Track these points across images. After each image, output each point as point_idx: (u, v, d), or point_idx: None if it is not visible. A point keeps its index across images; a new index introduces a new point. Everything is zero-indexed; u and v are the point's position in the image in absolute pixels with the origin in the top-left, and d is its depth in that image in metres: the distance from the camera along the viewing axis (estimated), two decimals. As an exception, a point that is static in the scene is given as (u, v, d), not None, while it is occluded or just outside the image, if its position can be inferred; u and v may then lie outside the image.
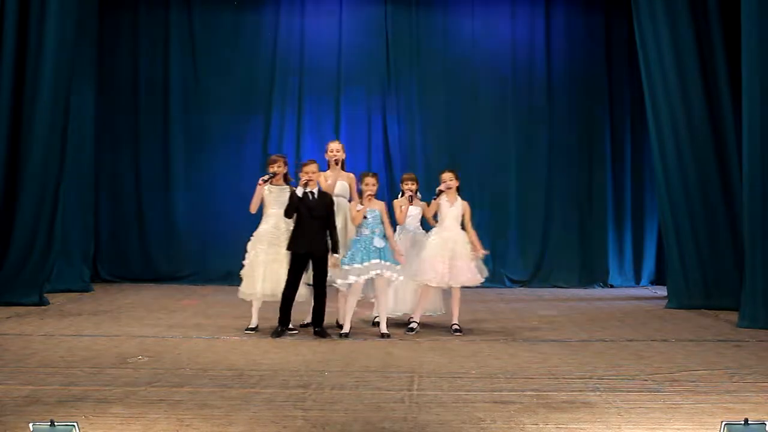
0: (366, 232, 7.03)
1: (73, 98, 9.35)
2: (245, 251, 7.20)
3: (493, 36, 11.57)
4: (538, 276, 11.37)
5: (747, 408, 4.63)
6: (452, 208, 7.35)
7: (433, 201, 7.42)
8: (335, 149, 7.50)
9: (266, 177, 7.21)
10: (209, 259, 11.06)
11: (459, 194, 7.44)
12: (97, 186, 11.04)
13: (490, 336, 7.21)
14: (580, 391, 5.09)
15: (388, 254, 6.99)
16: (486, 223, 10.73)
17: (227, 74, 11.36)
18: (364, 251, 6.93)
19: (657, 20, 9.25)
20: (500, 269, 11.04)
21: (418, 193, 7.52)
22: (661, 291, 10.36)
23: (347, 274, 6.92)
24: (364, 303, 7.55)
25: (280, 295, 6.94)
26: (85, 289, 9.97)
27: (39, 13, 8.71)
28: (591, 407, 4.68)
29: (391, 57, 11.43)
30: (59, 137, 8.87)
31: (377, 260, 6.91)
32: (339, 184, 7.45)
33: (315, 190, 6.94)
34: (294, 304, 6.98)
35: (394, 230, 7.41)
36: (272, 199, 7.20)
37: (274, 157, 7.39)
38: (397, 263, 7.02)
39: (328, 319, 7.19)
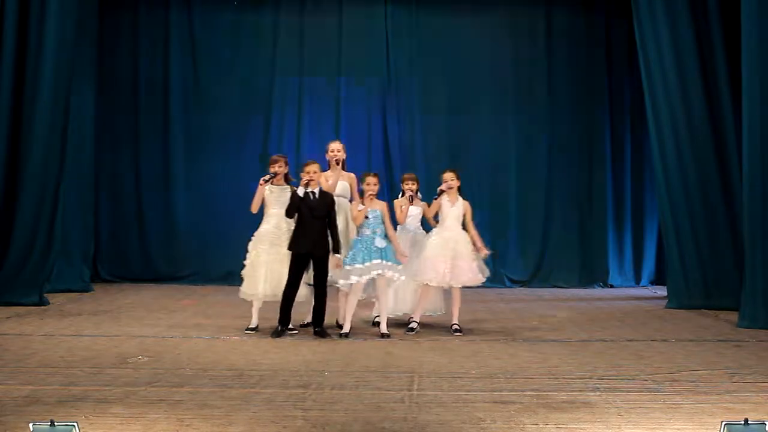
0: (367, 232, 7.03)
1: (73, 98, 9.35)
2: (246, 251, 7.21)
3: (493, 36, 11.58)
4: (538, 276, 11.38)
5: (747, 408, 4.63)
6: (453, 208, 7.35)
7: (434, 201, 7.42)
8: (336, 149, 7.50)
9: (267, 177, 7.21)
10: (209, 259, 11.06)
11: (460, 194, 7.44)
12: (97, 186, 11.04)
13: (490, 336, 7.22)
14: (580, 391, 5.09)
15: (390, 254, 6.99)
16: (486, 223, 10.71)
17: (227, 74, 11.36)
18: (366, 251, 6.93)
19: (657, 20, 9.25)
20: (500, 269, 11.03)
21: (419, 193, 7.52)
22: (661, 291, 10.36)
23: (349, 274, 6.92)
24: (364, 303, 7.55)
25: (280, 295, 6.94)
26: (85, 289, 9.97)
27: (39, 13, 8.71)
28: (591, 407, 4.68)
29: (391, 57, 11.43)
30: (59, 137, 8.87)
31: (378, 260, 6.91)
32: (340, 184, 7.44)
33: (316, 190, 6.94)
34: (294, 304, 6.98)
35: (395, 230, 7.41)
36: (273, 199, 7.20)
37: (275, 157, 7.39)
38: (398, 263, 7.02)
39: (328, 319, 7.19)
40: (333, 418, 4.40)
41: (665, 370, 5.75)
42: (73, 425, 3.66)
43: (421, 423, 4.33)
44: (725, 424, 3.79)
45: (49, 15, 8.68)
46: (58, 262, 9.23)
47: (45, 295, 8.73)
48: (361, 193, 7.25)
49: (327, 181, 7.30)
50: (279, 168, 7.22)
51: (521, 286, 11.20)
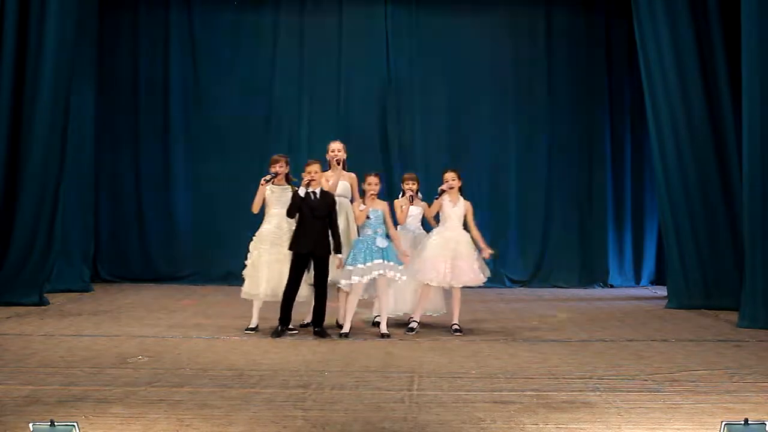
0: (368, 232, 7.04)
1: (73, 98, 9.35)
2: (247, 251, 7.21)
3: (493, 36, 11.58)
4: (538, 276, 11.38)
5: (747, 408, 4.63)
6: (455, 207, 7.35)
7: (435, 200, 7.42)
8: (336, 149, 7.50)
9: (268, 177, 7.21)
10: (209, 259, 11.06)
11: (461, 194, 7.44)
12: (97, 186, 11.04)
13: (490, 336, 7.21)
14: (580, 391, 5.09)
15: (391, 254, 6.99)
16: (486, 223, 10.69)
17: (227, 74, 11.36)
18: (367, 251, 6.93)
19: (657, 20, 9.25)
20: (500, 269, 11.03)
21: (419, 193, 7.52)
22: (661, 291, 10.36)
23: (350, 275, 6.92)
24: (364, 303, 7.54)
25: (281, 295, 6.94)
26: (85, 289, 9.97)
27: (39, 13, 8.71)
28: (591, 407, 4.68)
29: (391, 57, 11.43)
30: (59, 137, 8.87)
31: (380, 260, 6.91)
32: (341, 184, 7.44)
33: (317, 190, 6.94)
34: (294, 304, 6.98)
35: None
36: (274, 199, 7.20)
37: (276, 157, 7.38)
38: (400, 263, 7.02)
39: (328, 319, 7.18)
40: (333, 418, 4.40)
41: (665, 370, 5.75)
42: (73, 425, 3.66)
43: (421, 423, 4.33)
44: (725, 424, 3.79)
45: (49, 15, 8.68)
46: (58, 262, 9.23)
47: (45, 295, 8.73)
48: (362, 193, 7.25)
49: (328, 181, 7.30)
50: (280, 168, 7.22)
51: (521, 286, 11.19)
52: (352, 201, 7.50)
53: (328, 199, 7.00)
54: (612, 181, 11.56)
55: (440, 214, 7.41)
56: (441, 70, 11.46)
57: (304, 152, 10.51)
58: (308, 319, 7.28)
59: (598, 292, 10.95)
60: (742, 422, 3.77)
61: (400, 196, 7.49)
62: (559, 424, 4.32)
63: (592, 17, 11.63)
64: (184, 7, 11.39)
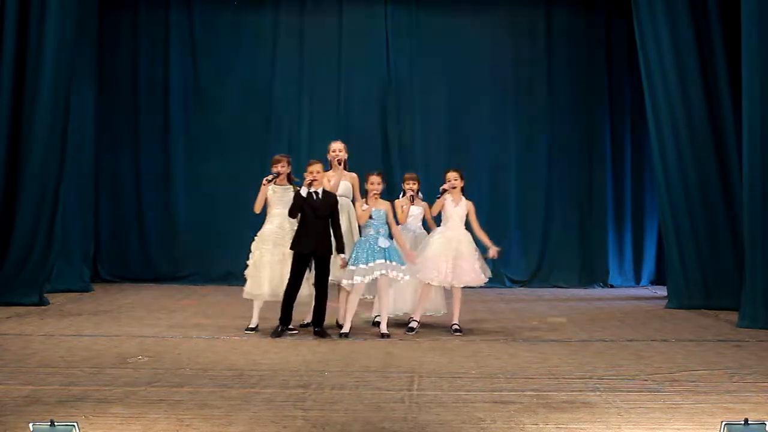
0: (371, 231, 7.03)
1: (73, 98, 9.35)
2: (249, 251, 7.21)
3: (493, 36, 11.58)
4: (538, 276, 11.38)
5: (747, 408, 4.63)
6: (457, 207, 7.35)
7: (437, 200, 7.41)
8: (337, 149, 7.49)
9: (270, 177, 7.21)
10: (209, 259, 11.06)
11: (463, 194, 7.44)
12: (97, 186, 11.04)
13: (490, 336, 7.22)
14: (580, 391, 5.09)
15: (393, 254, 6.98)
16: (486, 223, 10.66)
17: (227, 74, 11.36)
18: (369, 251, 6.93)
19: (657, 20, 9.25)
20: (500, 269, 11.02)
21: (419, 193, 7.52)
22: (661, 291, 10.36)
23: (352, 275, 6.92)
24: (364, 303, 7.54)
25: (282, 295, 6.95)
26: (85, 289, 9.97)
27: (39, 13, 8.71)
28: (591, 407, 4.68)
29: (391, 57, 11.43)
30: (59, 137, 8.87)
31: (382, 260, 6.91)
32: (342, 184, 7.44)
33: (319, 190, 6.93)
34: (295, 304, 6.98)
35: (395, 230, 7.41)
36: (276, 199, 7.20)
37: (277, 156, 7.37)
38: (402, 263, 7.01)
39: (328, 319, 7.18)
40: (333, 418, 4.40)
41: (665, 370, 5.75)
42: (73, 425, 3.66)
43: (421, 423, 4.33)
44: (725, 424, 3.79)
45: (49, 15, 8.68)
46: (58, 262, 9.23)
47: (45, 295, 8.73)
48: (364, 193, 7.25)
49: (329, 181, 7.30)
50: (281, 168, 7.21)
51: (521, 286, 11.19)
52: (353, 201, 7.50)
53: (330, 199, 7.00)
54: (612, 181, 11.56)
55: (442, 213, 7.41)
56: (441, 70, 11.46)
57: (304, 152, 10.52)
58: (308, 319, 7.28)
59: (598, 292, 10.96)
60: (742, 422, 3.77)
61: (400, 196, 7.49)
62: (559, 424, 4.32)
63: (592, 17, 11.63)
64: (184, 7, 11.39)
